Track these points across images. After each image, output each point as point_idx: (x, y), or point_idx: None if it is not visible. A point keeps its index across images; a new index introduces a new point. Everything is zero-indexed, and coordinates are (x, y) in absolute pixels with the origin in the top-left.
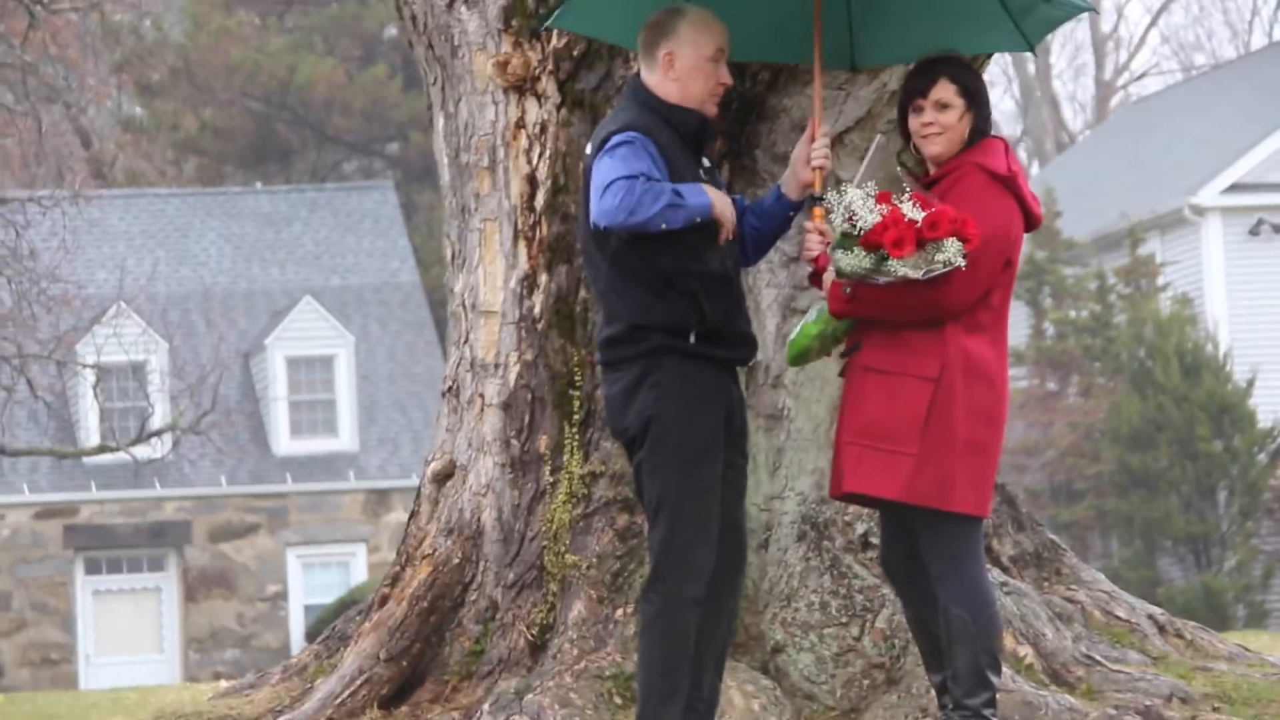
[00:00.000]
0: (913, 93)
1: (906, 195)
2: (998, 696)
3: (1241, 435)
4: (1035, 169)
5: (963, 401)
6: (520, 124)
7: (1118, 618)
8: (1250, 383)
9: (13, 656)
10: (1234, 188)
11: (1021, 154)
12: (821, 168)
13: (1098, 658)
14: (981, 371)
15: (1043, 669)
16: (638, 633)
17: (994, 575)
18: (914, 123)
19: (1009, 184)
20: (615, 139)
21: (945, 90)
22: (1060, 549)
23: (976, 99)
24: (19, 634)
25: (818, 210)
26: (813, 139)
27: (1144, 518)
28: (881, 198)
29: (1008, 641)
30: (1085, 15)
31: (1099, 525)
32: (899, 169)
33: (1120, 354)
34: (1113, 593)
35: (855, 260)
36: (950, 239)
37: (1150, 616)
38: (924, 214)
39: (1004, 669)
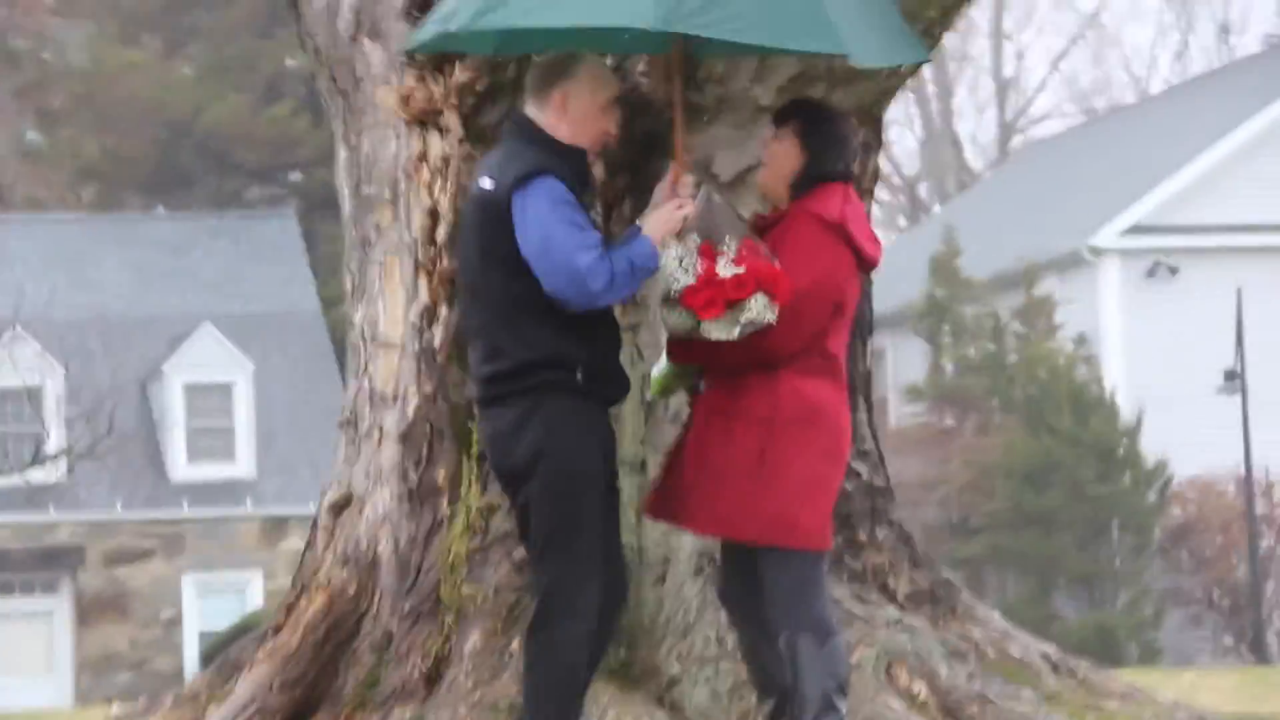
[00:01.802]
0: (774, 123)
1: (731, 246)
2: None
3: (1131, 474)
4: (936, 208)
5: (796, 440)
6: (423, 157)
7: (1011, 656)
8: (1138, 422)
9: None
10: (1132, 229)
11: (922, 193)
12: (690, 197)
13: (991, 696)
14: (817, 410)
15: (936, 706)
16: (524, 668)
17: (889, 612)
18: None
19: (839, 230)
20: (539, 181)
21: (788, 128)
22: (955, 587)
23: (814, 140)
24: None
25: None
26: (675, 178)
27: (1039, 554)
28: (704, 251)
29: (902, 678)
30: (985, 58)
31: (995, 561)
32: (732, 211)
33: (1014, 394)
34: (1007, 631)
35: (677, 319)
36: (755, 296)
37: (1044, 655)
38: (735, 271)
39: (898, 705)
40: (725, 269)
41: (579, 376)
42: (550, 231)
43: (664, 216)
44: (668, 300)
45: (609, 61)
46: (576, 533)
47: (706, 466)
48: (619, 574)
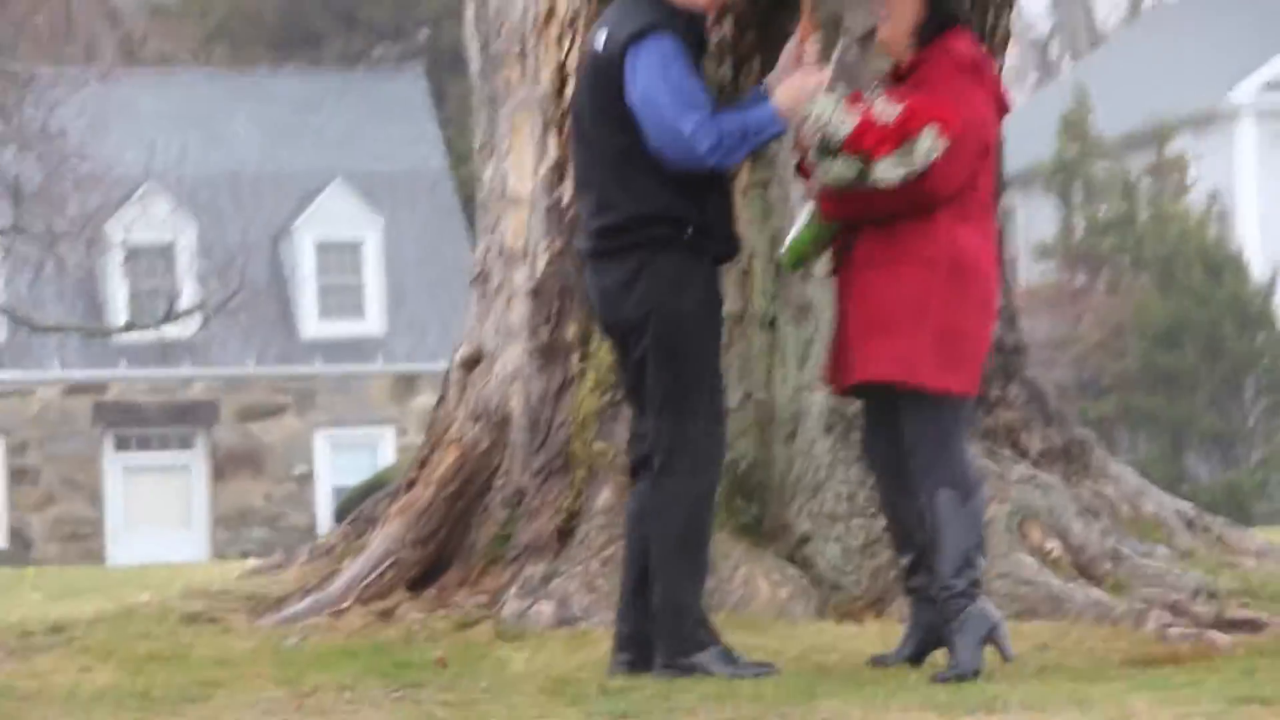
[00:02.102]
0: None
1: (878, 93)
2: (1024, 590)
3: (1266, 333)
4: (1067, 66)
5: (957, 288)
6: (551, 13)
7: (1145, 512)
8: (1274, 279)
9: (42, 531)
10: (1269, 85)
11: (1053, 51)
12: (815, 64)
13: (1125, 552)
14: (973, 260)
15: (1070, 563)
16: (653, 521)
17: (1022, 469)
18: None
19: (976, 70)
20: (652, 38)
21: None
22: (1088, 444)
23: None
24: (48, 508)
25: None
26: (803, 39)
27: (1170, 414)
28: (853, 99)
29: (1035, 535)
30: None
31: (1126, 421)
32: (865, 64)
33: (1145, 252)
34: (1141, 488)
35: (840, 169)
36: (926, 129)
37: (1178, 512)
38: (897, 109)
39: (1031, 562)
40: (884, 109)
41: (688, 233)
42: (657, 89)
43: (796, 86)
44: (827, 150)
45: None
46: (697, 387)
47: (876, 317)
48: None
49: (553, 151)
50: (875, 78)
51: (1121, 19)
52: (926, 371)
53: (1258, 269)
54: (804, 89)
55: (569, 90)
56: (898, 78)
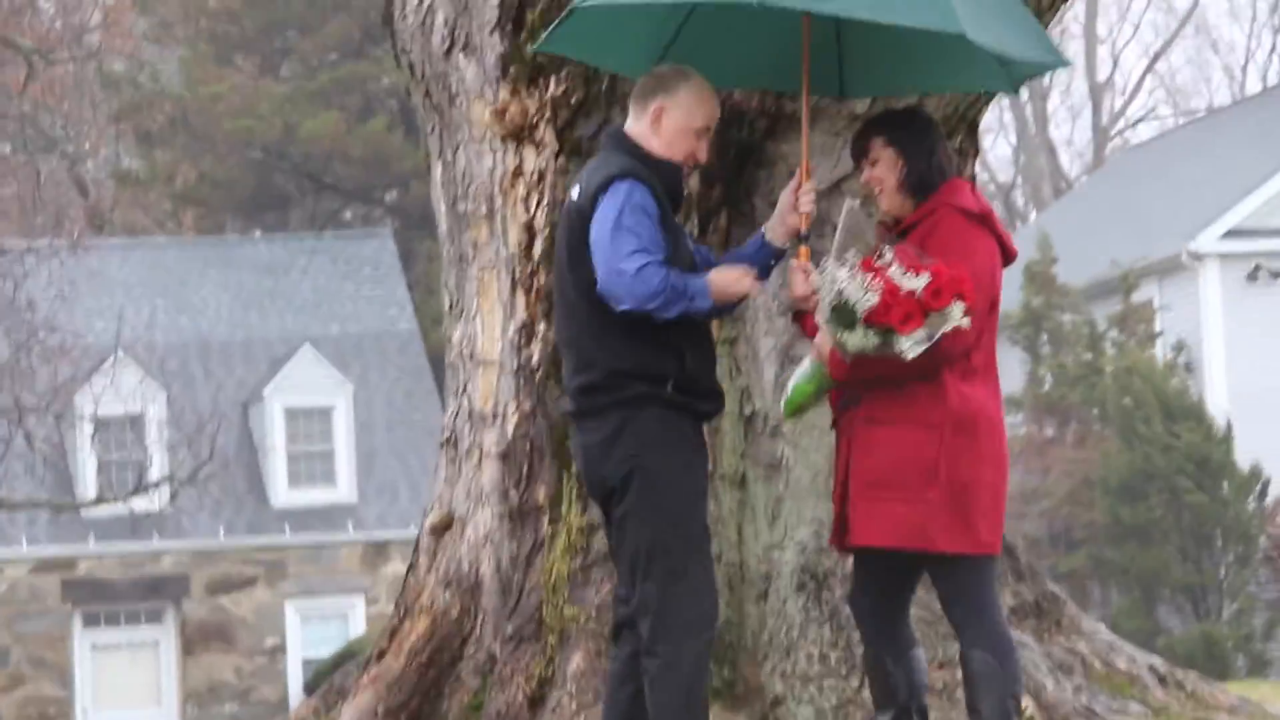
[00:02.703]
0: (855, 158)
1: (889, 257)
2: None
3: (1230, 483)
4: (1032, 215)
5: (968, 445)
6: (518, 172)
7: (1118, 669)
8: (1230, 430)
9: (10, 713)
10: (1231, 233)
11: (1018, 200)
12: (809, 213)
13: (1098, 710)
14: (982, 415)
15: None
16: (649, 692)
17: None
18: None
19: (985, 221)
20: (622, 184)
21: (872, 148)
22: (1060, 599)
23: (907, 145)
24: (17, 690)
25: (804, 250)
26: (799, 185)
27: (1141, 566)
28: (866, 266)
29: None
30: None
31: (1097, 574)
32: (871, 217)
33: (1111, 403)
34: (1113, 643)
35: (860, 339)
36: (954, 303)
37: (1151, 667)
38: (920, 280)
39: None
40: (903, 280)
41: (669, 389)
42: (612, 230)
43: (727, 276)
44: (845, 321)
45: None
46: (683, 547)
47: (876, 477)
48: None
49: (521, 312)
50: (879, 234)
51: (1085, 166)
52: (938, 535)
53: (1223, 418)
54: (736, 285)
55: (537, 249)
56: (900, 232)
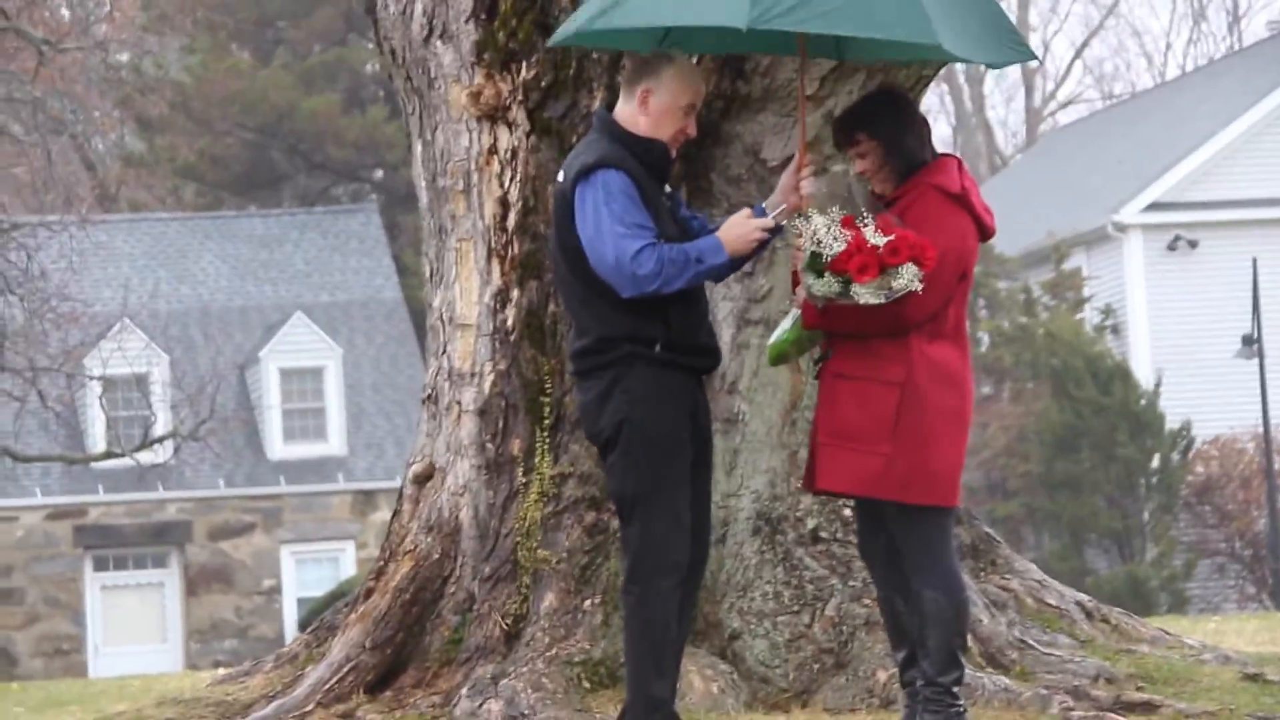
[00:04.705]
0: (839, 146)
1: (870, 219)
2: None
3: (1154, 437)
4: None
5: (928, 403)
6: (493, 150)
7: (1048, 605)
8: (1158, 387)
9: (27, 648)
10: (1153, 206)
11: None
12: (809, 194)
13: (1030, 642)
14: (945, 374)
15: (980, 652)
16: (623, 623)
17: None
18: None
19: (962, 200)
20: (598, 174)
21: (858, 142)
22: (995, 541)
23: (891, 135)
24: (32, 627)
25: (803, 225)
26: (799, 168)
27: (1070, 514)
28: (846, 223)
29: None
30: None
31: (1031, 520)
32: (862, 188)
33: (1044, 363)
34: (1044, 581)
35: (824, 285)
36: (908, 264)
37: (1079, 603)
38: (886, 239)
39: None
40: (874, 237)
41: (658, 349)
42: (600, 222)
43: (740, 225)
44: (815, 267)
45: None
46: (660, 495)
47: (839, 429)
48: (701, 543)
49: (496, 279)
50: (871, 200)
51: (1019, 146)
52: (892, 486)
53: (1146, 378)
54: (745, 229)
55: (511, 221)
56: (888, 204)
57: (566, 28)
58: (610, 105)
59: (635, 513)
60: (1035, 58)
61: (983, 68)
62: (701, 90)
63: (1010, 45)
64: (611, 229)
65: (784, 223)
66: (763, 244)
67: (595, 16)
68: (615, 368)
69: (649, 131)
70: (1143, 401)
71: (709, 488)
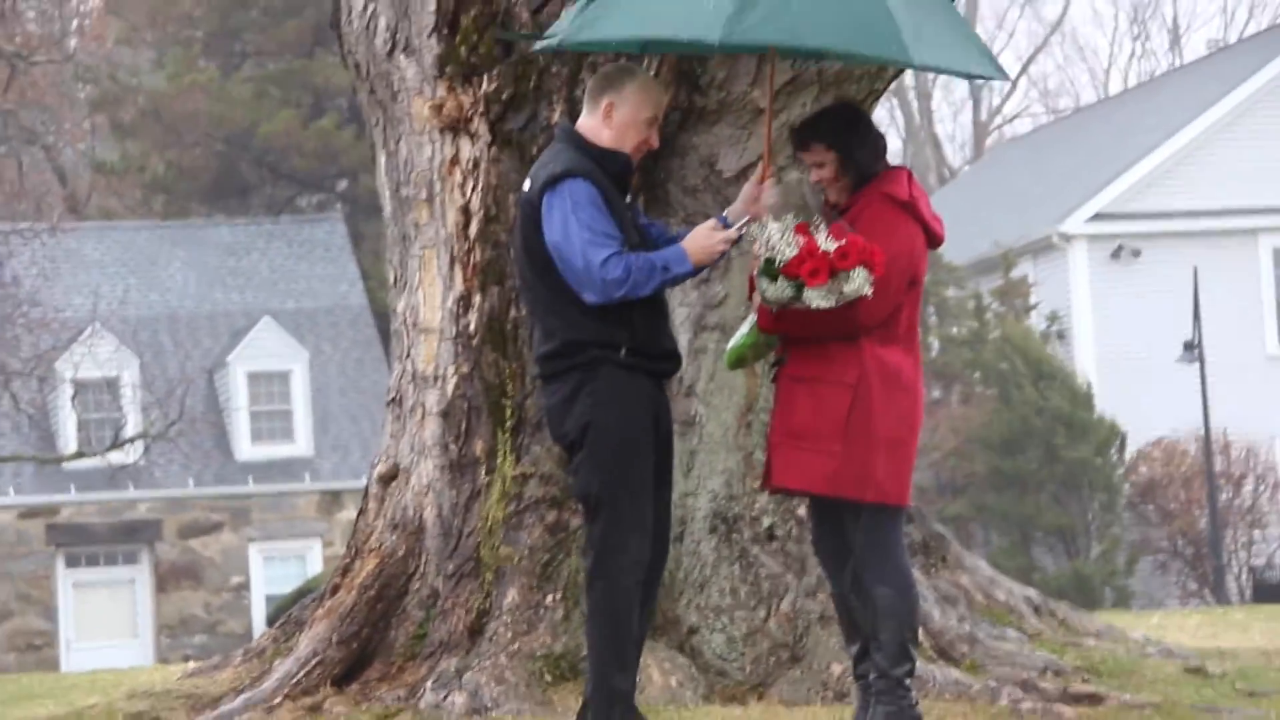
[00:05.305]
0: (796, 151)
1: (822, 226)
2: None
3: (1096, 438)
4: None
5: (879, 404)
6: (455, 161)
7: (997, 600)
8: (1097, 390)
9: (1, 643)
10: (1097, 216)
11: None
12: (770, 205)
13: (980, 636)
14: (896, 377)
15: (931, 646)
16: (585, 618)
17: None
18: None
19: (910, 209)
20: (565, 183)
21: (815, 152)
22: (945, 539)
23: (846, 146)
24: (5, 623)
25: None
26: (762, 179)
27: (1018, 512)
28: (800, 229)
29: None
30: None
31: (980, 518)
32: (816, 197)
33: (991, 367)
34: (993, 578)
35: (778, 290)
36: (858, 268)
37: (1027, 599)
38: (836, 245)
39: None
40: (825, 243)
41: (623, 354)
42: (569, 231)
43: (704, 236)
44: (769, 271)
45: None
46: (624, 495)
47: (794, 429)
48: (662, 541)
49: (459, 285)
50: (824, 208)
51: (966, 158)
52: (844, 484)
53: (1091, 381)
54: (710, 240)
55: (473, 229)
56: (841, 211)
57: (550, 38)
58: (571, 118)
59: (600, 512)
60: (1007, 77)
61: (931, 80)
62: (663, 103)
63: (979, 60)
64: (579, 236)
65: (744, 232)
66: (722, 252)
67: (578, 29)
68: (581, 371)
69: (612, 143)
70: (1086, 406)
71: (670, 488)
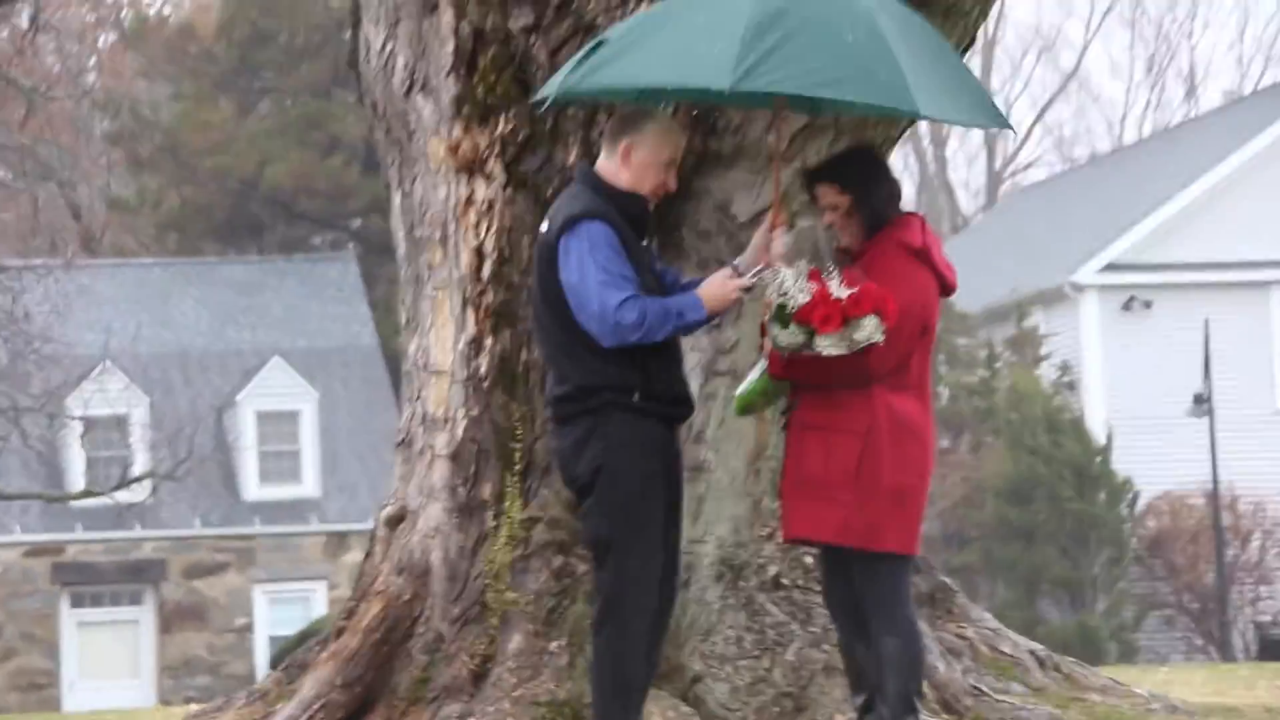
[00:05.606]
0: (810, 193)
1: (835, 273)
2: None
3: (1105, 491)
4: None
5: (889, 453)
6: (470, 202)
7: (1002, 653)
8: (1109, 442)
9: (2, 682)
10: (1109, 267)
11: None
12: (779, 254)
13: (984, 689)
14: (907, 426)
15: (935, 699)
16: (591, 663)
17: None
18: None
19: (923, 256)
20: (583, 224)
21: (827, 194)
22: (951, 590)
23: (861, 190)
24: (8, 662)
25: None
26: (773, 227)
27: (1025, 564)
28: (812, 275)
29: None
30: None
31: (986, 569)
32: (829, 242)
33: (1001, 417)
34: (998, 630)
35: (789, 336)
36: (870, 316)
37: (1032, 652)
38: (849, 292)
39: None
40: (838, 290)
41: (635, 398)
42: (585, 273)
43: (718, 284)
44: (780, 317)
45: None
46: (634, 540)
47: (805, 478)
48: (670, 587)
49: (471, 327)
50: (837, 254)
51: (980, 206)
52: (854, 534)
53: (1100, 433)
54: (725, 289)
55: (486, 270)
56: (854, 257)
57: (552, 85)
58: (588, 159)
59: (610, 557)
60: (1010, 127)
61: (946, 129)
62: (681, 145)
63: (983, 111)
64: (596, 279)
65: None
66: (736, 300)
67: (584, 76)
68: (593, 415)
69: (630, 185)
70: (1099, 459)
71: (679, 534)
